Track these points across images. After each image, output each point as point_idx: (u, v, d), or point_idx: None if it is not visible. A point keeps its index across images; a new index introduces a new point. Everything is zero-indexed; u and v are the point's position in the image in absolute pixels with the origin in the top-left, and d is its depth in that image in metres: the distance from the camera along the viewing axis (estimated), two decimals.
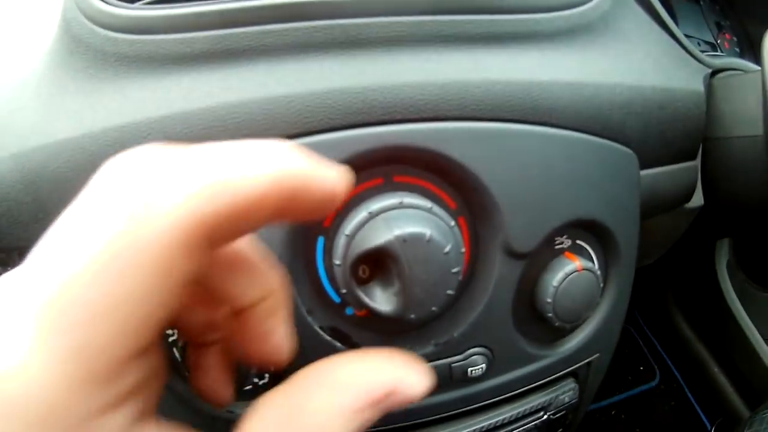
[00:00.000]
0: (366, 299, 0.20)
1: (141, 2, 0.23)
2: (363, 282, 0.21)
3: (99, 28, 0.22)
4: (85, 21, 0.22)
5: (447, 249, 0.19)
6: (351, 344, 0.23)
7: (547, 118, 0.23)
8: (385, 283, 0.20)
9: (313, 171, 0.11)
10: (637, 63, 0.27)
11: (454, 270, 0.19)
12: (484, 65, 0.22)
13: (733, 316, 0.48)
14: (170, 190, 0.09)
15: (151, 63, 0.22)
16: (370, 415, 0.12)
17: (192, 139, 0.21)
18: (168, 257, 0.09)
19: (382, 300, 0.20)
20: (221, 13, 0.21)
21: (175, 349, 0.25)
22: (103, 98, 0.22)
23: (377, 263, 0.21)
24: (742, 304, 0.48)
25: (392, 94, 0.21)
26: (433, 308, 0.20)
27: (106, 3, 0.22)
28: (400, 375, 0.12)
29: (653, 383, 0.56)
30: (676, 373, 0.55)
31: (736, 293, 0.48)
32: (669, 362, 0.55)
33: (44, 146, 0.22)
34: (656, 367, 0.56)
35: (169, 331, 0.25)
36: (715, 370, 0.51)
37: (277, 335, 0.14)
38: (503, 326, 0.24)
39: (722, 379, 0.51)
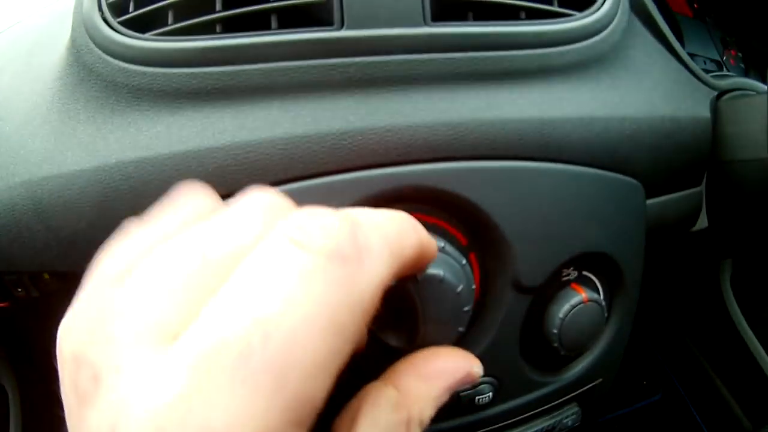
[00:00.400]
0: (379, 333, 0.20)
1: (152, 32, 0.22)
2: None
3: (110, 57, 0.22)
4: (96, 49, 0.22)
5: (459, 289, 0.20)
6: (357, 372, 0.24)
7: (557, 155, 0.23)
8: (397, 317, 0.21)
9: (430, 240, 0.15)
10: (647, 93, 0.27)
11: (465, 309, 0.20)
12: (497, 103, 0.22)
13: (737, 331, 0.48)
14: (373, 260, 0.11)
15: (164, 97, 0.22)
16: (448, 397, 0.15)
17: (206, 177, 0.21)
18: (367, 315, 0.11)
19: (392, 335, 0.21)
20: (233, 48, 0.21)
21: None
22: (116, 130, 0.22)
23: (390, 298, 0.21)
24: (746, 319, 0.49)
25: (407, 135, 0.21)
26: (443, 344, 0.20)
27: (116, 32, 0.22)
28: (470, 363, 0.16)
29: (656, 398, 0.56)
30: (680, 387, 0.55)
31: (740, 308, 0.49)
32: (672, 377, 0.56)
33: (56, 176, 0.22)
34: (659, 381, 0.57)
35: None
36: (719, 384, 0.52)
37: None
38: (510, 357, 0.25)
39: (726, 394, 0.51)
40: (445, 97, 0.22)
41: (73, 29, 0.23)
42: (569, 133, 0.23)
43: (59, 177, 0.22)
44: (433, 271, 0.19)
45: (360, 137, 0.20)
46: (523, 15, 0.24)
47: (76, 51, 0.23)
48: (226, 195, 0.22)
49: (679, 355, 0.55)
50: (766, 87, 0.37)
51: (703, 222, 0.34)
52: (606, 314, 0.26)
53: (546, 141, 0.23)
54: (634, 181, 0.26)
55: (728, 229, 0.35)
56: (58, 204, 0.22)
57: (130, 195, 0.21)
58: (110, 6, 0.23)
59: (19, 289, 0.34)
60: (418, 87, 0.22)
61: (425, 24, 0.22)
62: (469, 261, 0.23)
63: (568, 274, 0.25)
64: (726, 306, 0.48)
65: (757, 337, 0.48)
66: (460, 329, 0.21)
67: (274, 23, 0.22)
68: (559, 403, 0.27)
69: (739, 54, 0.44)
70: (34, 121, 0.23)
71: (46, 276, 0.33)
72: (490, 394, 0.25)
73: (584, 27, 0.25)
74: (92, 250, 0.23)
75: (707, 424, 0.54)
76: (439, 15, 0.22)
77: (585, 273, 0.26)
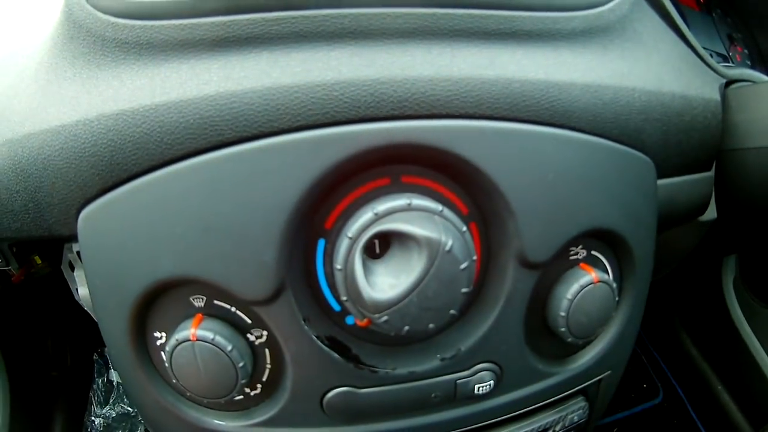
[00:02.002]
0: (360, 276, 0.18)
1: None
2: (373, 257, 0.19)
3: (100, 12, 0.21)
4: (87, 5, 0.22)
5: (464, 266, 0.18)
6: (350, 356, 0.22)
7: (564, 120, 0.22)
8: (391, 271, 0.19)
9: None
10: (656, 68, 0.26)
11: (464, 290, 0.18)
12: (500, 62, 0.21)
13: (738, 333, 0.47)
14: None
15: (151, 49, 0.21)
16: None
17: (187, 128, 0.20)
18: None
19: (379, 287, 0.18)
20: None
21: (163, 353, 0.23)
22: (100, 84, 0.21)
23: (392, 244, 0.19)
24: (748, 322, 0.47)
25: (403, 89, 0.19)
26: (431, 326, 0.18)
27: None
28: None
29: (656, 400, 0.55)
30: (680, 390, 0.54)
31: (741, 310, 0.47)
32: (672, 379, 0.54)
33: (38, 133, 0.21)
34: (659, 384, 0.55)
35: (157, 334, 0.23)
36: (719, 387, 0.50)
37: None
38: (514, 341, 0.23)
39: (726, 397, 0.50)
40: (445, 53, 0.20)
41: None
42: (576, 98, 0.22)
43: (40, 134, 0.21)
44: (431, 235, 0.18)
45: (352, 89, 0.19)
46: None
47: (68, 9, 0.22)
48: (206, 148, 0.21)
49: (678, 358, 0.53)
50: None
51: (712, 212, 0.33)
52: (617, 298, 0.24)
53: (552, 105, 0.21)
54: (645, 157, 0.25)
55: (736, 219, 0.34)
56: (37, 162, 0.21)
57: (107, 150, 0.20)
58: None
59: (2, 260, 0.32)
60: (417, 41, 0.20)
61: None
62: (469, 230, 0.21)
63: (576, 253, 0.23)
64: (727, 308, 0.47)
65: (758, 340, 0.46)
66: (452, 312, 0.19)
67: None
68: (565, 396, 0.25)
69: (746, 51, 0.44)
70: (23, 82, 0.23)
71: (38, 260, 0.32)
72: (491, 382, 0.22)
73: None
74: (68, 211, 0.22)
75: (707, 426, 0.52)
76: None
77: (594, 253, 0.24)
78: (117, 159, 0.20)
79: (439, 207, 0.19)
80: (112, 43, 0.21)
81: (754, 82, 0.35)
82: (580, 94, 0.22)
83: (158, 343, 0.23)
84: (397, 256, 0.19)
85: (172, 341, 0.22)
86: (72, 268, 0.28)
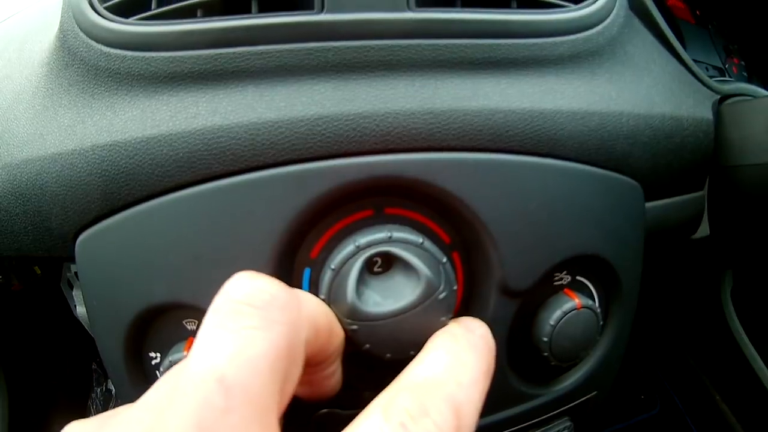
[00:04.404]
0: (352, 282, 0.18)
1: (136, 17, 0.22)
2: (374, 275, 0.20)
3: (94, 42, 0.22)
4: (81, 34, 0.22)
5: (442, 296, 0.18)
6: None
7: (548, 149, 0.22)
8: (382, 290, 0.19)
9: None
10: (645, 90, 0.26)
11: (443, 319, 0.18)
12: (484, 92, 0.21)
13: (737, 343, 0.47)
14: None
15: (141, 81, 0.21)
16: None
17: (177, 162, 0.20)
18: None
19: (364, 298, 0.19)
20: (211, 31, 0.20)
21: (158, 372, 0.24)
22: (95, 114, 0.21)
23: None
24: (746, 332, 0.47)
25: (385, 123, 0.20)
26: (411, 352, 0.19)
27: (102, 17, 0.22)
28: None
29: (654, 412, 0.54)
30: (678, 401, 0.53)
31: (739, 321, 0.47)
32: (670, 390, 0.54)
33: (36, 159, 0.22)
34: (657, 395, 0.55)
35: (152, 354, 0.24)
36: (718, 398, 0.50)
37: (338, 374, 0.18)
38: (496, 366, 0.23)
39: (725, 408, 0.50)
40: (428, 85, 0.21)
41: (62, 15, 0.24)
42: (562, 127, 0.22)
43: (37, 160, 0.22)
44: (414, 262, 0.18)
45: (335, 123, 0.19)
46: (514, 4, 0.23)
47: (63, 36, 0.23)
48: (195, 181, 0.21)
49: (677, 369, 0.53)
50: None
51: (704, 230, 0.32)
52: (601, 322, 0.24)
53: (536, 134, 0.21)
54: (632, 181, 0.25)
55: (730, 236, 0.33)
56: (35, 188, 0.22)
57: (103, 180, 0.21)
58: None
59: (0, 277, 0.33)
60: (400, 73, 0.20)
61: (408, 9, 0.21)
62: (451, 260, 0.22)
63: (561, 279, 0.24)
64: (726, 319, 0.46)
65: (757, 351, 0.46)
66: None
67: (254, 7, 0.21)
68: (549, 417, 0.25)
69: (742, 62, 0.43)
70: (19, 106, 0.24)
71: (38, 270, 0.33)
72: None
73: (579, 18, 0.24)
74: (65, 236, 0.22)
75: None
76: (425, 3, 0.21)
77: (579, 278, 0.24)
78: (111, 189, 0.21)
79: (419, 239, 0.19)
80: (105, 73, 0.22)
81: (749, 95, 0.35)
82: (565, 121, 0.22)
83: (153, 362, 0.24)
84: (394, 280, 0.19)
85: (166, 362, 0.22)
86: (71, 286, 0.29)
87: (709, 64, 0.40)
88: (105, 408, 0.50)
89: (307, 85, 0.20)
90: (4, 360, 0.44)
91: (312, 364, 0.16)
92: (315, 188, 0.19)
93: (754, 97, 0.36)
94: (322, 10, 0.20)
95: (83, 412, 0.50)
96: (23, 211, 0.22)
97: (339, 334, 0.17)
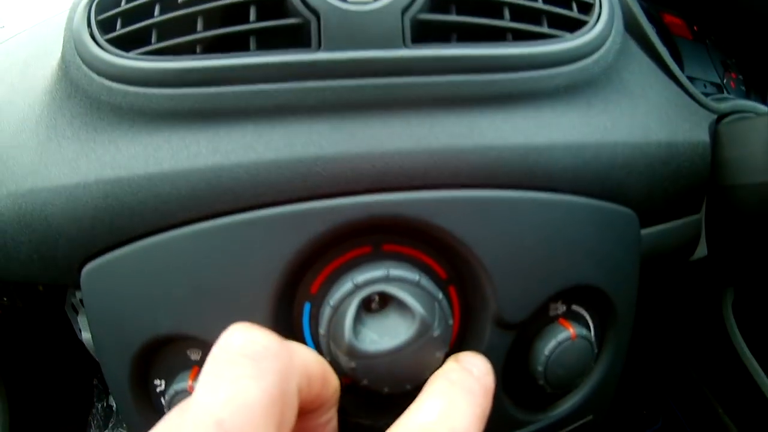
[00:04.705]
0: (350, 321, 0.19)
1: (136, 51, 0.22)
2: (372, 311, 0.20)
3: (95, 74, 0.22)
4: (83, 66, 0.22)
5: (437, 333, 0.19)
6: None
7: (543, 183, 0.22)
8: (378, 328, 0.20)
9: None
10: (641, 117, 0.26)
11: (437, 354, 0.19)
12: (479, 129, 0.21)
13: (740, 358, 0.47)
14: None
15: (143, 116, 0.22)
16: None
17: (179, 200, 0.21)
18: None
19: (361, 337, 0.19)
20: (210, 69, 0.21)
21: (162, 399, 0.24)
22: (98, 148, 0.22)
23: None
24: (748, 345, 0.47)
25: (382, 163, 0.20)
26: (408, 386, 0.19)
27: (103, 49, 0.22)
28: None
29: (656, 427, 0.54)
30: (680, 415, 0.53)
31: (741, 334, 0.47)
32: (673, 405, 0.54)
33: (40, 190, 0.22)
34: (659, 409, 0.55)
35: (157, 382, 0.25)
36: (720, 411, 0.50)
37: (333, 423, 0.18)
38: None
39: (727, 421, 0.49)
40: (424, 123, 0.21)
41: (64, 44, 0.24)
42: (556, 161, 0.22)
43: (42, 191, 0.22)
44: (427, 315, 0.19)
45: (333, 164, 0.20)
46: (510, 37, 0.23)
47: (65, 66, 0.23)
48: (199, 218, 0.22)
49: (679, 383, 0.53)
50: (766, 109, 0.36)
51: (702, 250, 0.33)
52: (596, 350, 0.25)
53: (531, 169, 0.22)
54: (627, 210, 0.25)
55: (729, 256, 0.34)
56: (41, 218, 0.22)
57: (107, 214, 0.21)
58: (99, 23, 0.23)
59: (5, 299, 0.34)
60: (396, 112, 0.21)
61: (405, 46, 0.21)
62: (447, 294, 0.22)
63: (556, 309, 0.24)
64: (728, 333, 0.46)
65: (759, 363, 0.46)
66: (429, 374, 0.19)
67: (252, 45, 0.21)
68: None
69: (740, 76, 0.43)
70: (23, 134, 0.24)
71: (40, 287, 0.33)
72: None
73: (575, 48, 0.24)
74: (71, 266, 0.23)
75: None
76: (421, 37, 0.21)
77: (574, 307, 0.25)
78: (116, 223, 0.22)
79: (416, 277, 0.20)
80: (107, 107, 0.22)
81: (746, 111, 0.35)
82: (560, 155, 0.22)
83: (158, 390, 0.24)
84: (389, 318, 0.20)
85: (171, 391, 0.23)
86: (75, 311, 0.29)
87: (707, 81, 0.40)
88: (106, 424, 0.51)
89: (305, 125, 0.20)
90: (6, 374, 0.44)
91: (307, 412, 0.17)
92: (314, 227, 0.20)
93: (753, 112, 0.36)
94: (319, 47, 0.21)
95: (84, 428, 0.51)
96: (29, 240, 0.23)
97: (333, 382, 0.17)
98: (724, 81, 0.41)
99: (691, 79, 0.40)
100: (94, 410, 0.51)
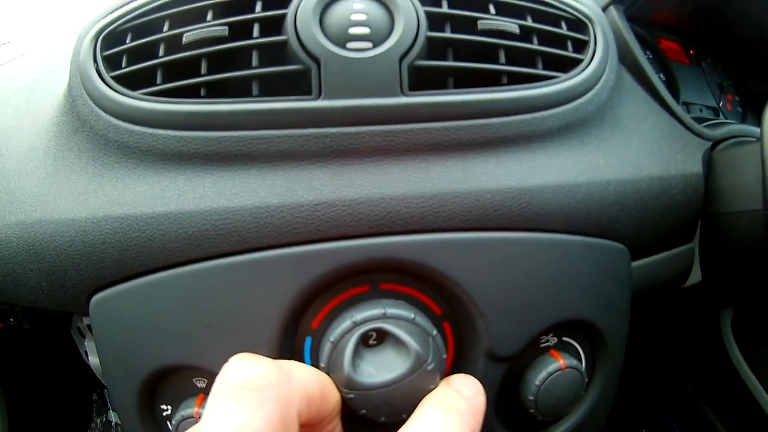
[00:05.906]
0: (348, 366, 0.20)
1: (142, 90, 0.23)
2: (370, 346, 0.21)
3: (102, 111, 0.23)
4: (90, 102, 0.23)
5: (430, 367, 0.20)
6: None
7: (535, 224, 0.23)
8: (375, 362, 0.21)
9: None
10: (634, 152, 0.27)
11: (431, 387, 0.20)
12: (473, 173, 0.22)
13: (738, 375, 0.47)
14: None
15: (150, 156, 0.22)
16: None
17: (185, 240, 0.22)
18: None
19: (359, 370, 0.20)
20: (215, 114, 0.22)
21: (169, 424, 0.26)
22: (105, 185, 0.23)
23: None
24: (747, 362, 0.47)
25: (379, 207, 0.21)
26: (404, 416, 0.20)
27: (109, 87, 0.23)
28: None
29: None
30: None
31: (740, 350, 0.47)
32: (672, 422, 0.54)
33: (49, 221, 0.23)
34: (658, 427, 0.55)
35: (164, 407, 0.26)
36: (719, 427, 0.50)
37: (337, 430, 0.20)
38: (485, 420, 0.24)
39: None
40: (420, 168, 0.22)
41: (71, 77, 0.24)
42: (548, 201, 0.23)
43: (52, 223, 0.23)
44: (421, 350, 0.19)
45: (333, 209, 0.21)
46: (505, 79, 0.24)
47: (72, 99, 0.24)
48: (204, 257, 0.23)
49: (678, 400, 0.54)
50: (761, 132, 0.36)
51: (696, 276, 0.33)
52: (586, 380, 0.25)
53: (523, 211, 0.23)
54: (618, 245, 0.26)
55: (723, 282, 0.34)
56: (50, 249, 0.23)
57: (115, 249, 0.22)
58: (105, 59, 0.24)
59: (11, 320, 0.35)
60: (393, 158, 0.22)
61: (402, 94, 0.22)
62: (442, 330, 0.23)
63: (547, 341, 0.25)
64: (726, 349, 0.47)
65: (758, 380, 0.46)
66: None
67: (255, 89, 0.22)
68: None
69: (737, 98, 0.44)
70: (30, 162, 0.24)
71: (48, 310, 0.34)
72: None
73: (570, 89, 0.25)
74: (80, 295, 0.24)
75: None
76: (419, 84, 0.22)
77: (565, 339, 0.26)
78: (124, 258, 0.22)
79: (411, 315, 0.21)
80: (114, 145, 0.22)
81: (742, 136, 0.35)
82: (552, 196, 0.23)
83: (164, 414, 0.26)
84: (386, 352, 0.21)
85: (178, 416, 0.24)
86: (82, 334, 0.30)
87: (704, 105, 0.40)
88: None
89: (306, 170, 0.21)
90: (6, 388, 0.45)
91: (310, 425, 0.18)
92: (315, 269, 0.21)
93: (748, 136, 0.36)
94: (319, 95, 0.22)
95: None
96: (38, 268, 0.23)
97: (333, 397, 0.19)
98: (721, 104, 0.41)
99: (687, 104, 0.40)
100: (92, 425, 0.51)
